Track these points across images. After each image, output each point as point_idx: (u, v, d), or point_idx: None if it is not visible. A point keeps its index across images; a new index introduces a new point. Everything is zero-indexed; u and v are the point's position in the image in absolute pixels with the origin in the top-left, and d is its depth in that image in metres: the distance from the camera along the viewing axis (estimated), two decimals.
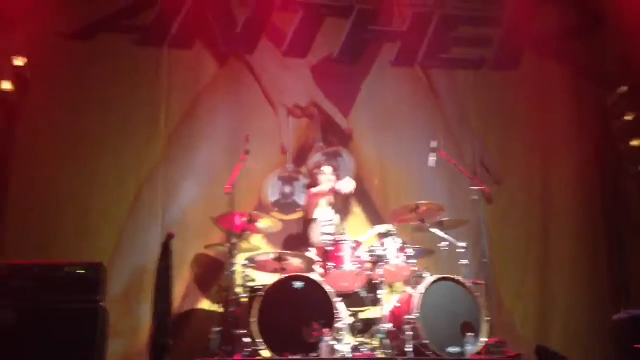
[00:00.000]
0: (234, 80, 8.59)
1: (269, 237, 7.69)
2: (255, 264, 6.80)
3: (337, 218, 7.33)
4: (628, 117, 8.65)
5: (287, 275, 6.42)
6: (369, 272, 6.63)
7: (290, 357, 5.81)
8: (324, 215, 7.34)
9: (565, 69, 9.17)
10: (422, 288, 6.33)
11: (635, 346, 6.22)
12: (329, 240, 6.76)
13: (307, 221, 7.42)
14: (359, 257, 6.62)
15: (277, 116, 8.56)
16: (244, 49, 8.67)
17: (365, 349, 6.36)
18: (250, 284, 6.67)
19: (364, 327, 6.67)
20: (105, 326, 6.15)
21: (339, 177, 7.63)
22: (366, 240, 6.99)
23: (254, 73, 8.63)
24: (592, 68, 9.15)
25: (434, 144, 7.28)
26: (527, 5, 9.14)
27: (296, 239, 7.67)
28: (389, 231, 6.80)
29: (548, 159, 8.91)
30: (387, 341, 6.27)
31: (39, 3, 8.01)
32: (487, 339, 6.23)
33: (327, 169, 7.45)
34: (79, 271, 6.10)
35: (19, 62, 7.66)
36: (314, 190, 7.42)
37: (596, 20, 9.24)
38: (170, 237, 6.34)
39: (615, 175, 8.80)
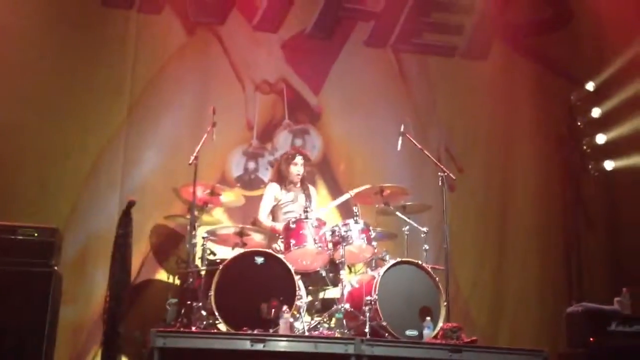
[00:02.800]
0: (202, 50, 8.43)
1: (231, 211, 7.61)
2: (216, 237, 6.69)
3: (302, 198, 7.23)
4: (594, 114, 8.76)
5: (248, 249, 6.34)
6: (330, 252, 6.57)
7: (247, 332, 5.72)
8: (285, 197, 7.22)
9: (533, 63, 9.22)
10: (382, 270, 6.31)
11: (590, 339, 6.29)
12: (293, 218, 6.68)
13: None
14: (322, 236, 6.56)
15: (244, 91, 8.44)
16: (214, 19, 8.51)
17: (324, 328, 6.33)
18: (210, 257, 6.57)
19: (323, 307, 6.63)
20: (59, 291, 6.04)
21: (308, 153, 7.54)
22: (327, 212, 6.94)
23: (223, 45, 8.48)
24: (560, 63, 9.23)
25: (402, 128, 7.24)
26: None
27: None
28: (355, 214, 6.70)
29: (510, 151, 8.97)
30: (345, 321, 6.23)
31: None
32: (444, 324, 6.25)
33: (299, 159, 7.31)
34: (33, 234, 5.97)
35: None
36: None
37: (566, 17, 9.32)
38: (130, 204, 6.17)
39: (576, 171, 8.87)
